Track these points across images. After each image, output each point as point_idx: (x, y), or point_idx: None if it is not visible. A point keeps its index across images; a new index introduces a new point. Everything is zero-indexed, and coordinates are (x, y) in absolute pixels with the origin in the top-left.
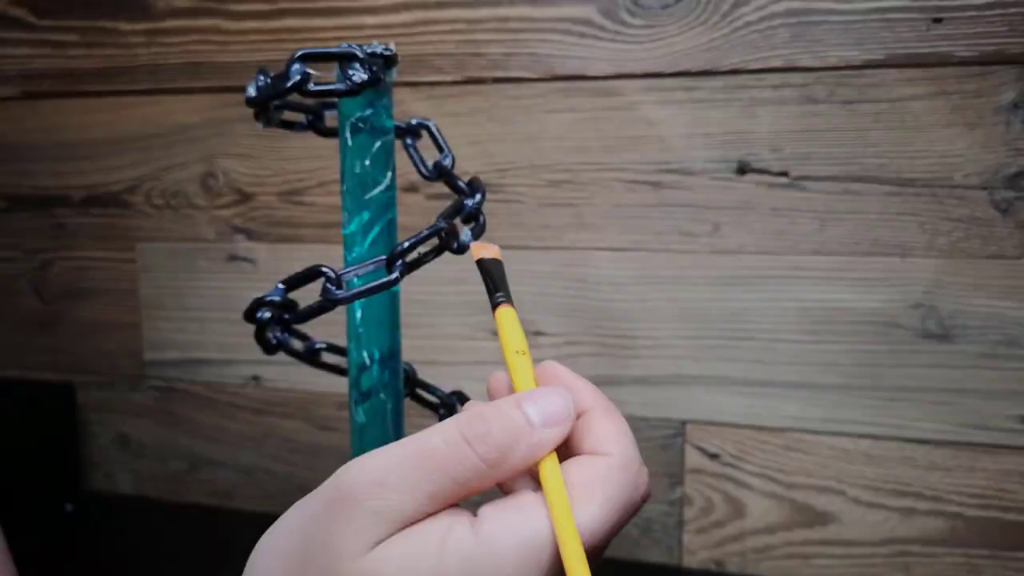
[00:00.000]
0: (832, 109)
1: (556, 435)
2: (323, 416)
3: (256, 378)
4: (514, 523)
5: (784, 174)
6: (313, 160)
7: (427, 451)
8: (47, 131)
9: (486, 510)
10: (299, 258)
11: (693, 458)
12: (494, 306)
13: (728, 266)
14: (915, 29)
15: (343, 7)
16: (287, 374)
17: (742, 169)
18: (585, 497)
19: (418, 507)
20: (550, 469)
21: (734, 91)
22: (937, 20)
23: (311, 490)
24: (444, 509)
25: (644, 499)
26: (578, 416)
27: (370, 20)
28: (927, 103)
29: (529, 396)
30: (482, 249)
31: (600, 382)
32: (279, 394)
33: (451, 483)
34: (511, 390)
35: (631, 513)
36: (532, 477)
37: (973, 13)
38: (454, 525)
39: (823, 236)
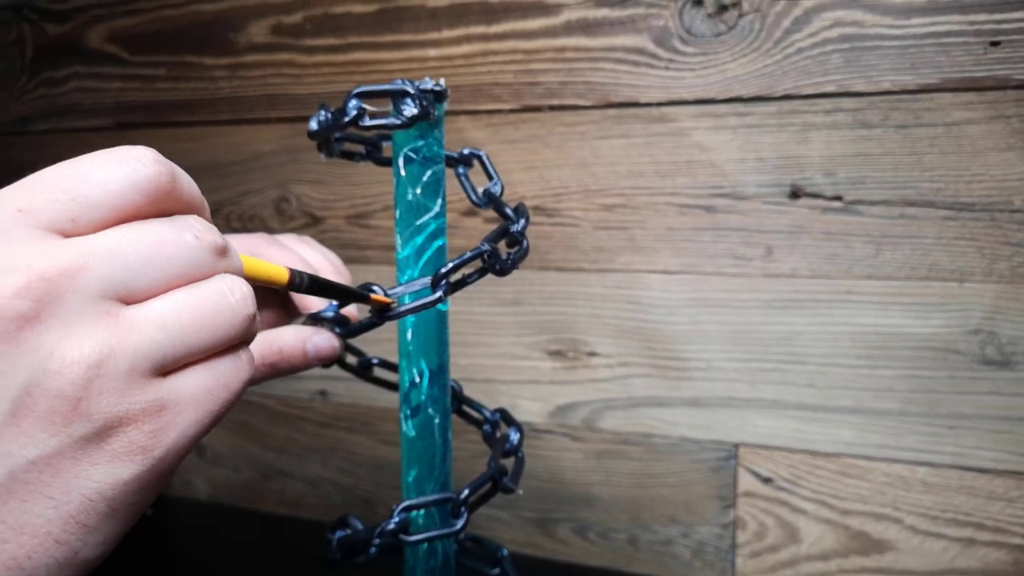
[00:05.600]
0: (886, 134)
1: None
2: (385, 431)
3: (323, 393)
4: None
5: (838, 198)
6: (378, 185)
7: None
8: None
9: None
10: (364, 278)
11: (746, 481)
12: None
13: (781, 290)
14: (971, 53)
15: (408, 40)
16: (352, 390)
17: (795, 193)
18: None
19: None
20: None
21: (787, 116)
22: (995, 43)
23: (374, 502)
24: None
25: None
26: None
27: (433, 52)
28: (984, 127)
29: None
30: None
31: (652, 403)
32: (344, 409)
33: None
34: None
35: None
36: None
37: None
38: None
39: (878, 260)
